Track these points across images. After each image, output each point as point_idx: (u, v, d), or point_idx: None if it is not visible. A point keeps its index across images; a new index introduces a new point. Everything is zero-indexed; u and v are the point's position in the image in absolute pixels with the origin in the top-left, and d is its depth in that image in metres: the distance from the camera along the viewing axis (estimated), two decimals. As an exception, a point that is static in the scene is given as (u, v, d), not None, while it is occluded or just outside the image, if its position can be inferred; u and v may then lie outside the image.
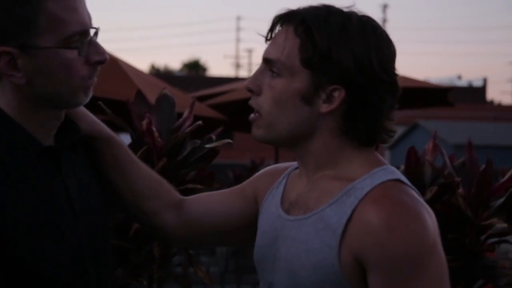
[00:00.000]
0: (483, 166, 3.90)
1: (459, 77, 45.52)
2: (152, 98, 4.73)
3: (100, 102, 4.05)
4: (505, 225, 3.94)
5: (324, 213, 1.56)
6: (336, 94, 1.56)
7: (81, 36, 1.53)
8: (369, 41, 1.55)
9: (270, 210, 1.70)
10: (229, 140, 3.93)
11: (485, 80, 40.50)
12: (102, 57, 1.56)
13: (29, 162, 1.53)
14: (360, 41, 1.54)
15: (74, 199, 1.59)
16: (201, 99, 9.01)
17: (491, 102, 43.33)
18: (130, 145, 4.14)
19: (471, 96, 37.61)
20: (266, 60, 1.61)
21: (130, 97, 4.39)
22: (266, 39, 1.64)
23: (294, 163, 1.75)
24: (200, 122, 4.04)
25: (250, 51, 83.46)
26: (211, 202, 1.83)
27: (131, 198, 1.74)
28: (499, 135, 27.61)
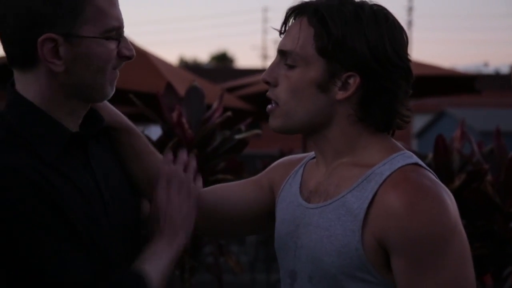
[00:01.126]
0: (511, 153, 3.90)
1: (486, 64, 45.14)
2: (181, 90, 4.77)
3: (131, 95, 4.12)
4: (534, 211, 3.95)
5: (345, 199, 1.58)
6: (351, 81, 1.58)
7: (118, 31, 1.58)
8: (382, 29, 1.58)
9: (289, 200, 1.72)
10: (258, 131, 3.97)
11: (511, 67, 40.13)
12: (131, 52, 1.61)
13: (61, 148, 1.57)
14: (373, 28, 1.57)
15: (103, 187, 1.63)
16: (230, 90, 9.04)
17: (519, 89, 42.93)
18: (161, 137, 4.20)
19: (498, 83, 37.30)
20: (281, 52, 1.64)
21: (160, 89, 4.45)
22: (280, 33, 1.66)
23: (310, 154, 1.78)
24: (229, 113, 4.09)
25: (277, 42, 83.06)
26: (226, 192, 1.85)
27: (148, 188, 1.77)
28: (527, 122, 27.39)
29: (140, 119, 8.50)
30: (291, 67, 1.61)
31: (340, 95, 1.59)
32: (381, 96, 1.59)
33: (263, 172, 1.86)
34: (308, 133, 1.65)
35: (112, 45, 1.56)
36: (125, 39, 1.60)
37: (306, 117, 1.61)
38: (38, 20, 1.50)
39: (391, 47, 1.58)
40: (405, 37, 1.62)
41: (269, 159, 11.89)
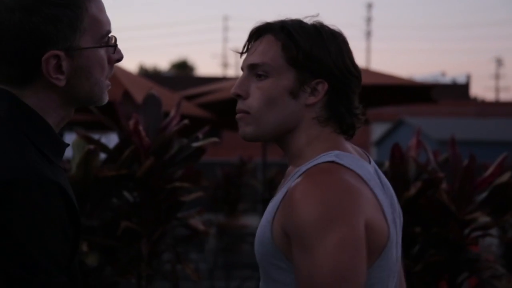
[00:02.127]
0: (466, 161, 3.96)
1: (443, 74, 45.64)
2: (140, 98, 4.76)
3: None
4: (488, 219, 4.00)
5: (276, 196, 1.74)
6: (319, 87, 1.74)
7: (108, 35, 1.60)
8: (339, 43, 1.76)
9: None
10: (216, 139, 3.97)
11: (468, 77, 40.64)
12: (121, 55, 1.63)
13: (63, 154, 1.60)
14: (333, 42, 1.75)
15: None
16: (189, 98, 9.02)
17: (475, 99, 43.46)
18: (118, 145, 4.18)
19: (455, 93, 37.76)
20: (251, 66, 1.76)
21: (118, 97, 4.43)
22: (242, 52, 1.81)
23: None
24: (186, 121, 4.08)
25: (237, 50, 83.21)
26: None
27: None
28: (482, 131, 27.74)
29: (98, 126, 8.42)
30: (262, 78, 1.74)
31: (311, 100, 1.74)
32: (343, 99, 1.75)
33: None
34: (278, 138, 1.78)
35: (104, 51, 1.58)
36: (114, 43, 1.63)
37: (277, 122, 1.74)
38: (41, 39, 1.50)
39: (348, 59, 1.76)
40: (352, 52, 1.81)
41: (229, 167, 11.93)
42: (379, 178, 1.77)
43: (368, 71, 7.87)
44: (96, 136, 4.03)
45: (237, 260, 9.71)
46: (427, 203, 3.93)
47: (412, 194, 3.90)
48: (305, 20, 1.78)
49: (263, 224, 1.71)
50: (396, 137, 26.08)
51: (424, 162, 4.14)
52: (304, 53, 1.73)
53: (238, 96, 1.76)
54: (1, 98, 1.54)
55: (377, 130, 30.27)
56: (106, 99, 1.63)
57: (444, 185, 4.00)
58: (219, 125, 9.92)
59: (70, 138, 5.96)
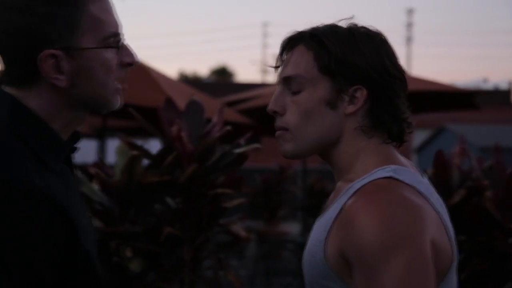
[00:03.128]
0: (511, 169, 3.91)
1: (485, 80, 45.14)
2: (181, 104, 4.78)
3: (131, 109, 4.12)
4: (533, 227, 3.94)
5: (327, 212, 1.64)
6: (358, 94, 1.64)
7: (115, 37, 1.57)
8: (376, 44, 1.66)
9: None
10: (258, 145, 3.97)
11: (511, 83, 40.19)
12: (133, 58, 1.58)
13: (64, 158, 1.56)
14: (368, 43, 1.65)
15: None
16: (230, 104, 9.04)
17: (518, 105, 42.96)
18: (160, 151, 4.21)
19: (497, 99, 37.33)
20: (285, 79, 1.68)
21: (160, 103, 4.46)
22: (276, 67, 1.71)
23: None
24: (229, 127, 4.09)
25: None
26: None
27: None
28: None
29: (140, 133, 8.49)
30: (297, 92, 1.67)
31: (350, 108, 1.65)
32: (387, 105, 1.66)
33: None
34: (320, 152, 1.69)
35: (111, 54, 1.55)
36: (125, 46, 1.58)
37: (317, 136, 1.66)
38: (37, 38, 1.49)
39: (388, 60, 1.66)
40: (395, 53, 1.71)
41: (268, 174, 11.92)
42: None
43: (409, 77, 7.81)
44: (139, 143, 4.06)
45: (277, 267, 9.70)
46: (471, 211, 3.89)
47: (456, 202, 3.86)
48: (339, 24, 1.69)
49: (313, 243, 1.62)
50: (437, 144, 25.84)
51: (468, 170, 4.10)
52: (337, 59, 1.64)
53: (275, 112, 1.68)
54: (2, 102, 1.54)
55: (418, 137, 30.02)
56: (116, 103, 1.59)
57: (488, 193, 3.95)
58: (259, 131, 9.92)
59: (113, 144, 6.01)
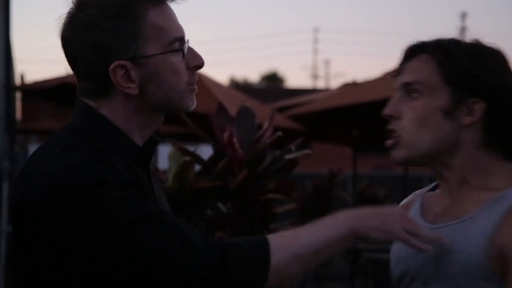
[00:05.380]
0: None
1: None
2: (232, 110, 4.83)
3: (183, 115, 4.18)
4: None
5: (474, 218, 1.65)
6: (476, 107, 1.67)
7: (181, 41, 1.62)
8: (500, 60, 1.70)
9: None
10: (309, 151, 4.00)
11: None
12: (200, 61, 1.63)
13: (131, 160, 1.61)
14: (493, 59, 1.69)
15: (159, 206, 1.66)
16: (280, 110, 9.07)
17: None
18: (212, 157, 4.25)
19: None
20: (405, 85, 1.70)
21: (212, 109, 4.51)
22: (397, 74, 1.74)
23: (423, 189, 1.85)
24: (279, 133, 4.12)
25: (327, 62, 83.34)
26: None
27: None
28: None
29: (192, 138, 8.57)
30: (415, 97, 1.69)
31: (467, 120, 1.67)
32: (506, 121, 1.68)
33: None
34: (433, 162, 1.71)
35: (178, 58, 1.60)
36: (190, 49, 1.63)
37: (432, 145, 1.68)
38: (105, 52, 1.57)
39: (509, 77, 1.69)
40: None
41: (318, 179, 11.90)
42: None
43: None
44: (191, 148, 4.13)
45: (327, 273, 9.69)
46: None
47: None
48: (463, 39, 1.73)
49: (465, 247, 1.64)
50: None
51: None
52: (462, 70, 1.66)
53: (391, 117, 1.70)
54: (78, 110, 1.63)
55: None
56: (191, 104, 1.64)
57: None
58: (309, 137, 9.92)
59: (164, 150, 6.09)
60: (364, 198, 11.30)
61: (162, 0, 1.60)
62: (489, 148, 1.68)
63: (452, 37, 1.73)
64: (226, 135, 3.95)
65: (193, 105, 1.65)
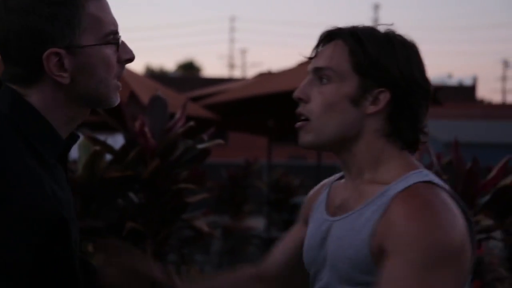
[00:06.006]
0: (470, 164, 3.97)
1: (450, 76, 45.68)
2: (146, 99, 4.79)
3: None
4: (491, 221, 4.01)
5: (361, 211, 1.68)
6: (382, 96, 1.69)
7: (114, 35, 1.62)
8: (409, 52, 1.72)
9: (316, 218, 1.80)
10: (221, 141, 3.99)
11: (475, 79, 40.71)
12: (131, 55, 1.64)
13: (58, 154, 1.61)
14: (403, 51, 1.71)
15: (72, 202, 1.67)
16: (196, 99, 9.05)
17: (482, 101, 43.44)
18: (123, 146, 4.21)
19: (462, 95, 37.74)
20: (316, 69, 1.73)
21: (124, 98, 4.46)
22: (311, 58, 1.76)
23: (334, 176, 1.89)
24: (192, 122, 4.10)
25: (244, 51, 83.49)
26: (282, 252, 1.95)
27: None
28: (489, 133, 27.70)
29: (104, 127, 8.46)
30: (325, 83, 1.71)
31: (371, 109, 1.69)
32: (407, 112, 1.70)
33: (300, 213, 1.96)
34: (338, 148, 1.73)
35: (111, 50, 1.60)
36: (123, 43, 1.63)
37: (337, 131, 1.71)
38: (40, 37, 1.54)
39: (417, 69, 1.71)
40: (424, 63, 1.77)
41: (234, 168, 11.95)
42: None
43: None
44: (102, 137, 4.07)
45: (242, 262, 9.73)
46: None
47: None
48: (378, 28, 1.74)
49: (351, 242, 1.66)
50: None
51: (427, 165, 4.15)
52: (371, 60, 1.69)
53: (300, 99, 1.73)
54: (5, 96, 1.59)
55: (383, 132, 30.24)
56: (116, 100, 1.65)
57: (447, 188, 4.01)
58: (225, 126, 9.94)
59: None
60: (279, 187, 11.40)
61: None
62: (390, 137, 1.71)
63: (368, 26, 1.75)
64: (137, 124, 3.91)
65: (117, 101, 1.65)
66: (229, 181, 11.61)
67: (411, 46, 1.73)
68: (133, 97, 4.19)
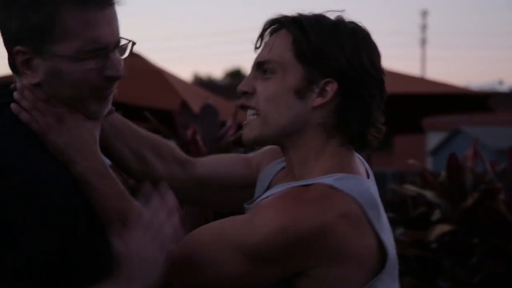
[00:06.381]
0: (525, 171, 3.91)
1: (501, 83, 45.01)
2: (196, 107, 4.81)
3: (146, 112, 4.16)
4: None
5: (265, 193, 1.66)
6: (329, 87, 1.59)
7: (97, 50, 1.57)
8: (358, 40, 1.61)
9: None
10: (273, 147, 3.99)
11: (527, 85, 40.06)
12: (115, 73, 1.59)
13: None
14: (350, 39, 1.60)
15: None
16: (241, 107, 9.07)
17: (535, 107, 42.75)
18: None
19: (514, 101, 37.27)
20: (258, 64, 1.64)
21: (175, 106, 4.50)
22: (256, 47, 1.66)
23: (278, 162, 1.76)
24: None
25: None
26: (217, 163, 1.86)
27: (138, 165, 1.79)
28: (543, 140, 27.25)
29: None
30: (268, 76, 1.62)
31: (318, 101, 1.60)
32: (357, 104, 1.60)
33: (256, 153, 1.86)
34: (282, 142, 1.64)
35: (90, 64, 1.58)
36: (113, 59, 1.60)
37: (282, 124, 1.61)
38: (10, 34, 1.59)
39: (366, 57, 1.60)
40: (379, 53, 1.66)
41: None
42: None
43: (423, 80, 7.82)
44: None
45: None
46: (484, 214, 3.90)
47: (469, 205, 3.87)
48: (327, 15, 1.64)
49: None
50: (452, 146, 25.78)
51: (481, 172, 4.10)
52: (314, 48, 1.58)
53: (245, 93, 1.64)
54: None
55: (433, 139, 29.96)
56: (99, 110, 1.62)
57: (502, 196, 3.95)
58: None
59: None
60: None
61: (88, 4, 1.56)
62: (331, 132, 1.61)
63: (316, 13, 1.65)
64: (189, 132, 3.94)
65: (102, 109, 1.63)
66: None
67: (362, 33, 1.63)
68: (184, 105, 4.23)
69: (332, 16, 1.64)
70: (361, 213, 1.55)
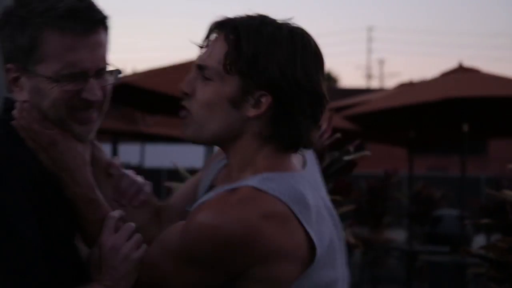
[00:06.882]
0: None
1: None
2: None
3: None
4: None
5: (210, 192, 1.68)
6: (263, 99, 1.60)
7: (75, 74, 1.63)
8: (296, 51, 1.60)
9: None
10: (368, 153, 3.99)
11: None
12: (92, 97, 1.65)
13: None
14: (287, 50, 1.60)
15: None
16: (335, 110, 9.08)
17: None
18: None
19: None
20: (199, 66, 1.66)
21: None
22: (202, 47, 1.68)
23: (221, 163, 1.80)
24: (338, 134, 4.13)
25: (381, 61, 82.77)
26: (178, 201, 1.90)
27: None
28: None
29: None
30: (207, 81, 1.64)
31: (252, 112, 1.62)
32: (289, 117, 1.61)
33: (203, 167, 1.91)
34: (219, 146, 1.70)
35: (67, 86, 1.64)
36: (92, 84, 1.65)
37: (216, 131, 1.65)
38: (4, 53, 1.69)
39: (301, 70, 1.60)
40: (320, 63, 1.65)
41: (373, 180, 11.85)
42: (316, 184, 1.70)
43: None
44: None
45: (382, 275, 9.64)
46: None
47: None
48: (273, 22, 1.63)
49: None
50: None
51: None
52: (247, 60, 1.59)
53: (185, 94, 1.67)
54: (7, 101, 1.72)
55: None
56: (80, 132, 1.67)
57: None
58: (365, 138, 9.89)
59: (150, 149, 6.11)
60: (420, 200, 11.21)
61: (72, 30, 1.63)
62: (267, 140, 1.63)
63: (259, 19, 1.63)
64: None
65: (85, 135, 1.68)
66: (368, 192, 11.53)
67: (301, 43, 1.61)
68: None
69: (276, 22, 1.64)
70: (288, 210, 1.57)
